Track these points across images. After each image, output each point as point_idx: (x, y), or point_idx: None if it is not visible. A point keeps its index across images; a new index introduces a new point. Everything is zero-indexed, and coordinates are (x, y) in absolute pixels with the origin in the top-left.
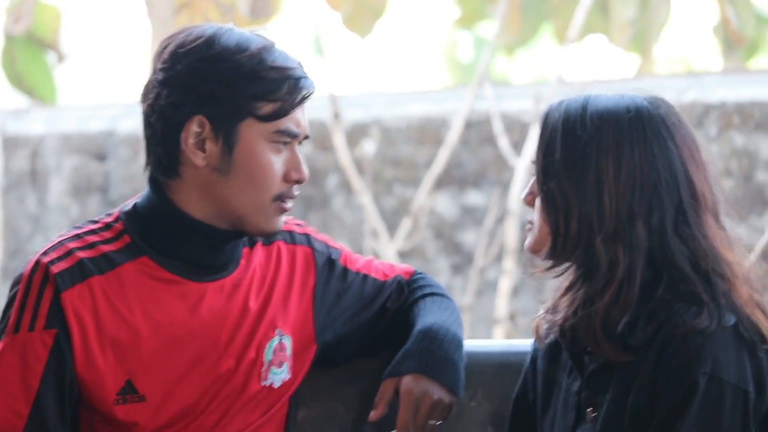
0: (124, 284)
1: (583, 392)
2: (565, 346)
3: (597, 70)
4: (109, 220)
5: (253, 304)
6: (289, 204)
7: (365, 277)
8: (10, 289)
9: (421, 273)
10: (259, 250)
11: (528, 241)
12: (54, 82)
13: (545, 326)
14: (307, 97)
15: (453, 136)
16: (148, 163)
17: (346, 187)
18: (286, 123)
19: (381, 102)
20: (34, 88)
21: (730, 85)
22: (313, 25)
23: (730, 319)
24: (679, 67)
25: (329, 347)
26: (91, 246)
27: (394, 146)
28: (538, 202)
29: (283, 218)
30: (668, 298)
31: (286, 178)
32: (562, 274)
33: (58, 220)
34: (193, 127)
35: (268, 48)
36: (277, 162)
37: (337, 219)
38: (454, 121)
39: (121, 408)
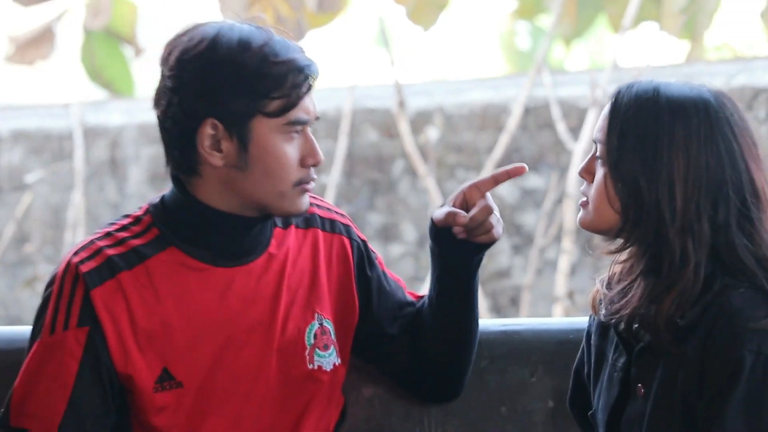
0: (153, 276)
1: (632, 368)
2: (615, 328)
3: (649, 57)
4: (139, 213)
5: (287, 286)
6: (310, 185)
7: (397, 283)
8: (45, 290)
9: None
10: (293, 232)
11: (581, 217)
12: (131, 76)
13: (599, 300)
14: (313, 84)
15: (512, 122)
16: (167, 163)
17: (411, 172)
18: (296, 113)
19: (443, 90)
20: (113, 81)
21: None
22: (378, 17)
23: None
24: (728, 52)
25: (363, 334)
26: (120, 242)
27: (457, 132)
28: (597, 179)
29: (308, 198)
30: (730, 284)
31: (303, 164)
32: (618, 251)
33: (137, 207)
34: (207, 130)
35: (268, 42)
36: (292, 151)
37: (403, 202)
38: (513, 108)
39: (161, 395)
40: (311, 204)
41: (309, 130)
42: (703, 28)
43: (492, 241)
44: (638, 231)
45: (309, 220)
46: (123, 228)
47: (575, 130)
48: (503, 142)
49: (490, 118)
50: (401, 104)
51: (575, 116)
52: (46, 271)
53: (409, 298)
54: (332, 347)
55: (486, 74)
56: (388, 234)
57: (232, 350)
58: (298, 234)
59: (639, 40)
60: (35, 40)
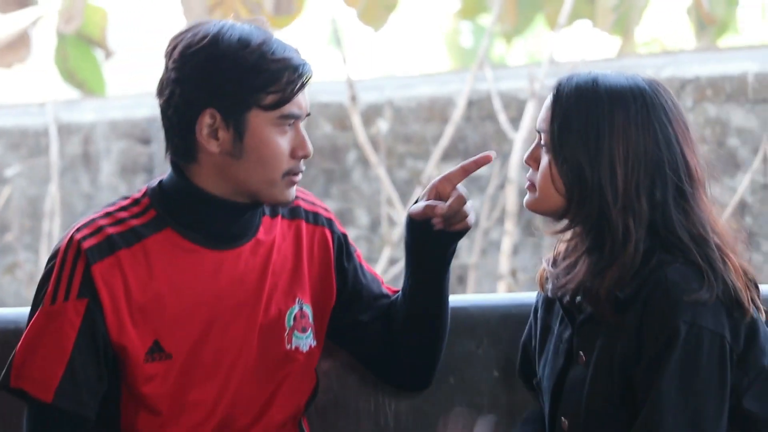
0: (149, 255)
1: (574, 337)
2: (561, 301)
3: (584, 52)
4: (138, 195)
5: (272, 271)
6: (298, 177)
7: (374, 276)
8: (48, 263)
9: None
10: (279, 222)
11: (528, 200)
12: (102, 76)
13: (546, 278)
14: (306, 82)
15: (457, 114)
16: (167, 149)
17: (363, 161)
18: (289, 108)
19: (393, 85)
20: (85, 81)
21: (703, 61)
22: (331, 19)
23: None
24: (656, 46)
25: (338, 320)
26: (120, 222)
27: (405, 124)
28: (542, 165)
29: (295, 189)
30: (666, 259)
31: (293, 155)
32: (563, 231)
33: (109, 197)
34: (206, 119)
35: (267, 41)
36: (283, 142)
37: (356, 190)
38: (458, 101)
39: (151, 365)
40: (298, 197)
41: (301, 124)
42: (634, 24)
43: (467, 229)
44: (582, 211)
45: (294, 212)
46: (123, 208)
47: (515, 121)
48: (449, 132)
49: (437, 110)
50: (353, 99)
51: (515, 108)
52: (25, 258)
53: (385, 290)
54: (310, 330)
55: (432, 70)
56: (343, 219)
57: (219, 327)
58: (284, 224)
59: (574, 36)
60: (12, 44)
